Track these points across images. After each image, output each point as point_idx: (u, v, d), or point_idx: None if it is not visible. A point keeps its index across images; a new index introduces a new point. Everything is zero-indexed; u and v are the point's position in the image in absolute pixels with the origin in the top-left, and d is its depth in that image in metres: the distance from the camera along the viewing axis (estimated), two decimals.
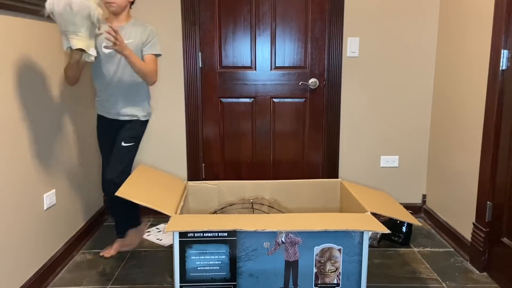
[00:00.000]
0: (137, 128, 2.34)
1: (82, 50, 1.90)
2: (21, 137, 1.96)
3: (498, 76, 2.12)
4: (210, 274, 1.80)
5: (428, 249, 2.57)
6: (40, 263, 2.13)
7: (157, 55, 2.27)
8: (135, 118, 2.32)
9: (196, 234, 1.77)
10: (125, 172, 2.27)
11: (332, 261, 1.81)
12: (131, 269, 2.32)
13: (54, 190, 2.26)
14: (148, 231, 2.82)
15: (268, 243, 1.79)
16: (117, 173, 2.24)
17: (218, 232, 1.77)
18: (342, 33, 2.87)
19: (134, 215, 2.48)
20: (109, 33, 1.94)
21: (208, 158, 3.08)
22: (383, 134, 3.02)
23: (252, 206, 2.45)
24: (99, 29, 1.96)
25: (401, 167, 3.06)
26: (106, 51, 2.14)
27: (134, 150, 2.34)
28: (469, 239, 2.40)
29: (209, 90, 2.98)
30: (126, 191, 1.93)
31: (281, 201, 2.46)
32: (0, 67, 1.80)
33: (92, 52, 1.93)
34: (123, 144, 2.28)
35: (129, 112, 2.31)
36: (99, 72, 2.25)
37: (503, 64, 2.10)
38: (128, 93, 2.27)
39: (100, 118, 2.38)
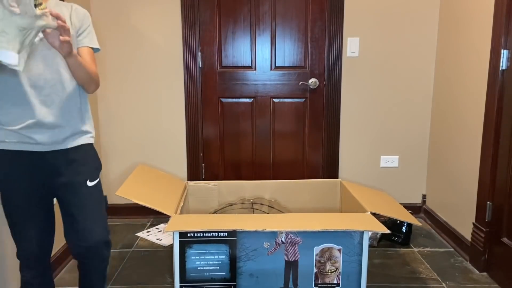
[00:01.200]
0: (94, 153, 1.60)
1: None
2: None
3: (498, 76, 2.12)
4: (210, 274, 1.80)
5: (428, 249, 2.57)
6: None
7: (95, 50, 1.57)
8: (89, 141, 1.57)
9: (196, 234, 1.77)
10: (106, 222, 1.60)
11: (332, 261, 1.81)
12: (131, 269, 2.32)
13: None
14: (148, 231, 2.82)
15: (268, 243, 1.79)
16: (105, 227, 1.55)
17: (218, 232, 1.77)
18: (342, 33, 2.87)
19: None
20: (56, 17, 1.24)
21: (208, 158, 3.08)
22: (383, 134, 3.02)
23: (252, 206, 2.45)
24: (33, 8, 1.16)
25: (401, 167, 3.06)
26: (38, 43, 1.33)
27: (101, 187, 1.60)
28: (469, 239, 2.40)
29: (209, 90, 2.98)
30: (126, 191, 1.93)
31: (281, 201, 2.46)
32: None
33: (11, 59, 1.15)
34: (89, 183, 1.52)
35: (84, 132, 1.55)
36: (13, 79, 1.37)
37: (503, 64, 2.10)
38: (74, 104, 1.50)
39: (14, 157, 1.44)
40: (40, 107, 1.41)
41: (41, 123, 1.42)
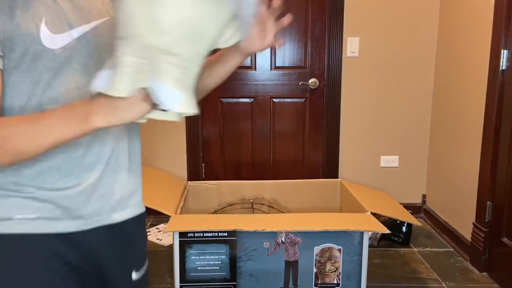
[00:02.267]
0: (144, 228, 1.02)
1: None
2: None
3: (498, 76, 2.12)
4: (210, 274, 1.80)
5: (428, 249, 2.57)
6: None
7: None
8: (143, 209, 0.97)
9: (196, 234, 1.77)
10: None
11: (332, 261, 1.81)
12: None
13: None
14: (148, 231, 2.82)
15: (268, 243, 1.79)
16: None
17: (218, 232, 1.77)
18: (342, 33, 2.87)
19: None
20: None
21: (208, 158, 3.08)
22: (383, 134, 3.02)
23: (252, 206, 2.45)
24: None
25: (401, 167, 3.06)
26: None
27: (148, 275, 1.02)
28: (469, 239, 2.40)
29: None
30: None
31: (281, 201, 2.46)
32: None
33: (186, 106, 0.65)
34: (134, 276, 0.94)
35: (136, 192, 0.94)
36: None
37: (503, 64, 2.10)
38: (133, 142, 1.02)
39: (26, 247, 0.77)
40: (110, 150, 0.86)
41: (84, 178, 0.81)
